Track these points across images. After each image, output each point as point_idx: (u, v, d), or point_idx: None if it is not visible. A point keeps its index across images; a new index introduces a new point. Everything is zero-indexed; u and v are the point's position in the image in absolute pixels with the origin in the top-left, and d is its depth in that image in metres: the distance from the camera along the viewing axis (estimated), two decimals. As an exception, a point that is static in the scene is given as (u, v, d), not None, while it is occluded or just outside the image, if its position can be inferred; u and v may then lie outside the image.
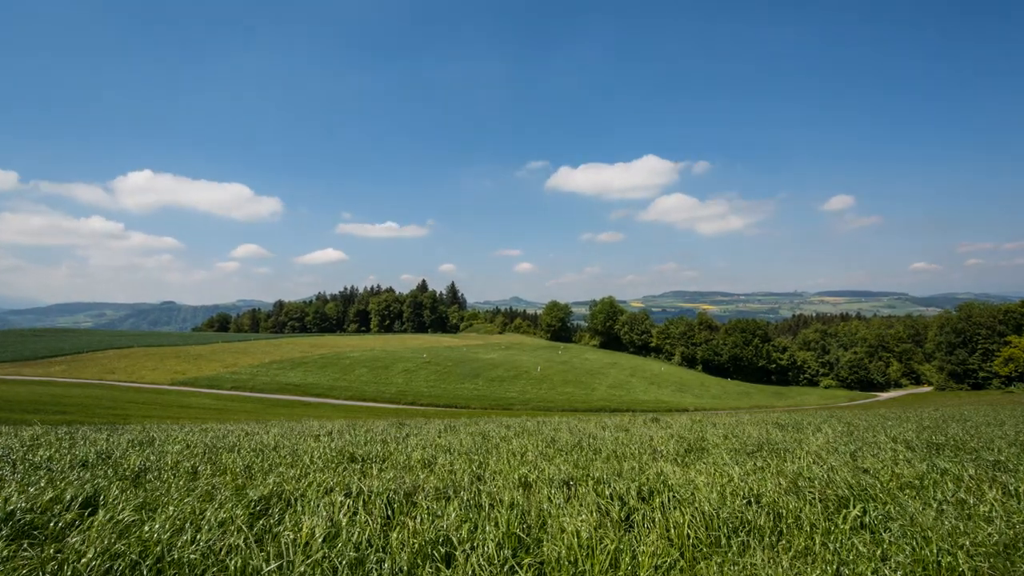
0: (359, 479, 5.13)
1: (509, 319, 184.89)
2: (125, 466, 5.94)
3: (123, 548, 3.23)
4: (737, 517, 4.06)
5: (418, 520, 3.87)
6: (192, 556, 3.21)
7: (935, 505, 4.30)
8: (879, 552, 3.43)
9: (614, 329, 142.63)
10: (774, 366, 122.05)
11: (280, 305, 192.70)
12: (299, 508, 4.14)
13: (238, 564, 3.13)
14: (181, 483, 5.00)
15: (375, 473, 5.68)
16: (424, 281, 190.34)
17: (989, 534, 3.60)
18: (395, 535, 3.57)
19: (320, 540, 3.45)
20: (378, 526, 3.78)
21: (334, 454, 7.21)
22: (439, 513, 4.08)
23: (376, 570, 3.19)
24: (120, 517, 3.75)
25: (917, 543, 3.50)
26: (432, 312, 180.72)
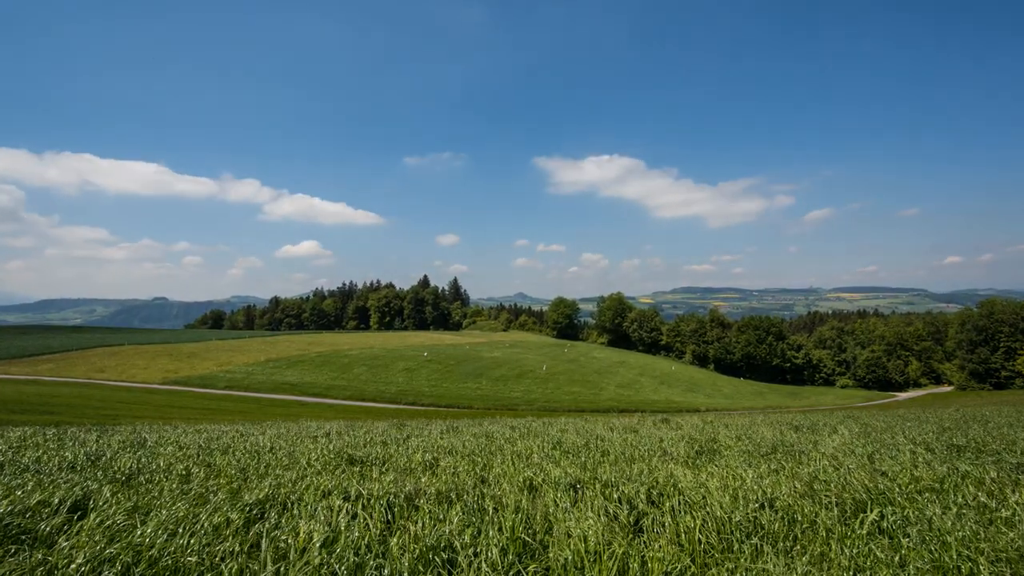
0: (358, 482, 5.02)
1: (514, 316, 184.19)
2: (116, 468, 5.87)
3: (114, 553, 3.16)
4: (750, 521, 3.96)
5: (419, 525, 3.77)
6: (186, 561, 3.12)
7: (955, 509, 4.17)
8: (897, 558, 3.33)
9: (623, 327, 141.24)
10: (789, 365, 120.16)
11: (276, 301, 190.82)
12: (296, 512, 4.05)
13: (234, 569, 3.07)
14: (174, 486, 4.92)
15: (375, 476, 5.58)
16: (426, 276, 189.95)
17: (1011, 540, 3.47)
18: (395, 540, 3.48)
19: (318, 545, 3.36)
20: (378, 531, 3.67)
21: (332, 456, 7.11)
22: (441, 517, 3.99)
23: (375, 576, 3.08)
24: (111, 521, 3.68)
25: (936, 548, 3.39)
26: (434, 309, 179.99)
